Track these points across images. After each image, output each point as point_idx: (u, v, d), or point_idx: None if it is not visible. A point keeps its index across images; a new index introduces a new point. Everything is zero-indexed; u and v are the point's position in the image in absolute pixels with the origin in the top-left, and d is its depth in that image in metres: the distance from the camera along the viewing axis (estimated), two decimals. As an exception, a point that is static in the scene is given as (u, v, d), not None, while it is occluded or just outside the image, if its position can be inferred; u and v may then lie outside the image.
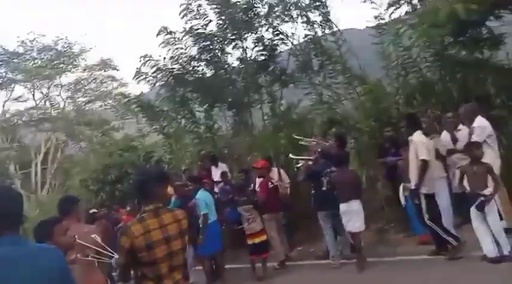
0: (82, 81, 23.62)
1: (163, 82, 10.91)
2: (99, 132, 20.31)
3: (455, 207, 5.62)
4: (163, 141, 12.00)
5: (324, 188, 6.23)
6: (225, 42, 10.64)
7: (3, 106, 23.90)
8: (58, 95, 23.99)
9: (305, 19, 9.83)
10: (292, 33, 10.25)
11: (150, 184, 2.75)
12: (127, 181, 11.16)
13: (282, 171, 7.35)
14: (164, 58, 10.65)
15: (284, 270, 6.55)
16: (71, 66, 23.17)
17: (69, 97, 24.03)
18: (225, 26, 10.40)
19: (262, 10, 10.25)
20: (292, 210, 7.31)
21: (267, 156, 7.98)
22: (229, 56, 10.82)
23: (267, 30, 10.39)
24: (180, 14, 10.37)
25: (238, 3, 10.23)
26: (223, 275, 6.62)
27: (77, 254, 3.33)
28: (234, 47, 10.67)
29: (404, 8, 8.98)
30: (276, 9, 10.16)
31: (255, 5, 10.21)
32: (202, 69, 10.88)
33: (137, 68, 10.83)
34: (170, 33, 10.45)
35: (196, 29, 10.38)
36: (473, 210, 4.83)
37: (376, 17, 8.97)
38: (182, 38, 10.50)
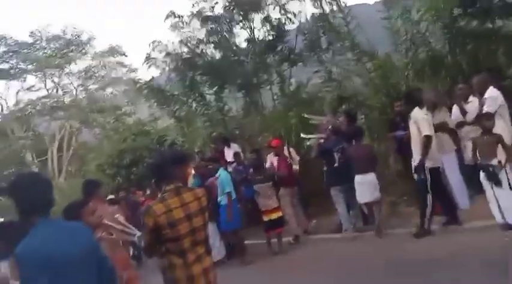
0: (92, 69, 23.82)
1: (172, 67, 11.03)
2: (111, 118, 20.62)
3: (469, 179, 5.69)
4: (175, 124, 12.18)
5: (336, 164, 6.37)
6: (232, 23, 10.64)
7: (16, 96, 24.32)
8: (70, 83, 24.29)
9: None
10: (299, 11, 10.21)
11: (171, 165, 2.89)
12: (142, 165, 11.43)
13: (291, 149, 7.51)
14: (173, 42, 10.74)
15: (298, 244, 6.76)
16: (80, 54, 23.35)
17: (81, 85, 24.30)
18: (232, 7, 10.38)
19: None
20: (303, 187, 7.49)
21: (278, 136, 8.12)
22: (237, 37, 10.86)
23: (273, 9, 10.36)
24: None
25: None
26: (245, 251, 6.84)
27: (102, 233, 3.52)
28: (241, 28, 10.67)
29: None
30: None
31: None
32: (211, 51, 10.94)
33: (147, 53, 10.94)
34: (178, 17, 10.49)
35: (204, 12, 10.39)
36: (483, 180, 4.91)
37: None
38: (190, 22, 10.53)
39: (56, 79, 24.04)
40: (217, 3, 10.41)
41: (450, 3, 7.35)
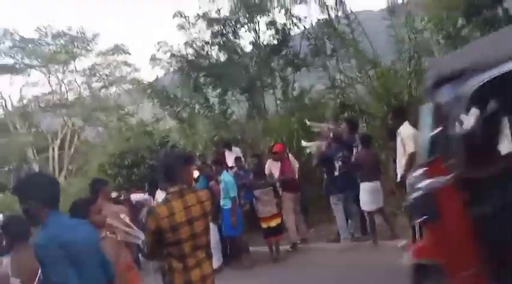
0: (96, 67, 23.88)
1: (177, 68, 11.08)
2: (114, 117, 20.65)
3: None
4: (178, 126, 12.22)
5: (336, 173, 6.38)
6: (238, 26, 10.69)
7: (21, 91, 24.38)
8: (74, 81, 24.35)
9: (318, 1, 9.78)
10: (305, 17, 10.24)
11: (175, 166, 2.86)
12: (143, 166, 11.45)
13: (290, 155, 7.52)
14: (178, 44, 10.80)
15: (296, 252, 6.77)
16: (84, 51, 23.41)
17: (85, 83, 24.35)
18: (238, 9, 10.42)
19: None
20: (303, 194, 7.50)
21: (280, 141, 8.13)
22: (242, 40, 10.90)
23: (279, 12, 10.39)
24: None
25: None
26: (248, 256, 6.83)
27: (106, 232, 3.53)
28: (246, 31, 10.71)
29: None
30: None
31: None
32: (216, 53, 10.99)
33: (152, 54, 11.01)
34: (184, 17, 10.55)
35: (209, 14, 10.45)
36: None
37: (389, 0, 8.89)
38: (196, 23, 10.59)
39: (60, 76, 24.11)
40: (222, 6, 10.47)
41: (454, 13, 7.37)
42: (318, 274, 5.54)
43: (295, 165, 7.46)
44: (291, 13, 10.32)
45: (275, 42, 10.59)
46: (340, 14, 9.67)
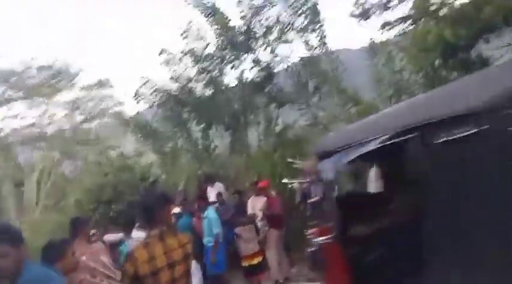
0: (79, 100, 23.75)
1: (161, 102, 11.07)
2: (95, 151, 20.30)
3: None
4: (160, 160, 12.03)
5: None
6: (224, 63, 10.86)
7: (1, 123, 23.90)
8: (55, 114, 24.06)
9: (302, 40, 10.09)
10: (288, 56, 10.50)
11: (155, 208, 2.78)
12: (122, 202, 11.10)
13: (272, 192, 7.42)
14: (163, 79, 10.87)
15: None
16: (69, 85, 23.35)
17: (66, 116, 24.09)
18: (224, 47, 10.63)
19: (260, 31, 10.51)
20: (286, 230, 7.33)
21: (263, 176, 8.05)
22: (227, 76, 11.05)
23: (264, 50, 10.64)
24: (181, 35, 10.61)
25: (236, 27, 10.49)
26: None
27: (85, 276, 3.33)
28: (232, 68, 10.89)
29: (397, 30, 9.27)
30: (273, 30, 10.42)
31: (253, 28, 10.46)
32: (200, 89, 11.07)
33: (136, 89, 11.01)
34: (170, 54, 10.69)
35: (195, 51, 10.61)
36: None
37: (369, 39, 9.24)
38: (181, 59, 10.72)
39: (43, 109, 23.82)
40: (208, 44, 10.66)
41: (431, 54, 7.66)
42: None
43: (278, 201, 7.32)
44: (274, 51, 10.59)
45: (259, 79, 10.76)
46: (322, 52, 9.97)
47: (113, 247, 8.10)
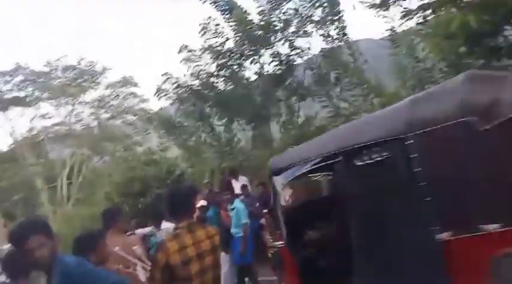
0: (105, 98, 24.40)
1: (183, 98, 11.28)
2: (121, 146, 20.87)
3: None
4: (184, 155, 12.29)
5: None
6: (243, 58, 10.95)
7: (31, 123, 24.84)
8: (82, 112, 24.83)
9: (321, 32, 10.05)
10: (308, 48, 10.48)
11: (182, 201, 2.88)
12: (149, 195, 11.46)
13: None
14: (184, 75, 11.06)
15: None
16: (93, 84, 24.01)
17: (93, 114, 24.80)
18: (242, 42, 10.71)
19: (279, 25, 10.52)
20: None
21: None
22: (246, 71, 11.13)
23: (283, 44, 10.66)
24: (199, 32, 10.75)
25: (254, 22, 10.53)
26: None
27: (118, 266, 3.46)
28: (251, 63, 10.96)
29: (418, 18, 9.08)
30: (292, 24, 10.42)
31: (272, 22, 10.48)
32: (221, 84, 11.20)
33: (158, 85, 11.24)
34: (190, 51, 10.84)
35: (214, 47, 10.72)
36: None
37: (390, 29, 9.10)
38: (201, 55, 10.87)
39: (69, 108, 24.62)
40: (228, 39, 10.75)
41: (455, 42, 7.48)
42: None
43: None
44: (294, 45, 10.58)
45: (279, 72, 10.80)
46: (342, 43, 9.91)
47: (144, 238, 8.43)
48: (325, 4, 9.72)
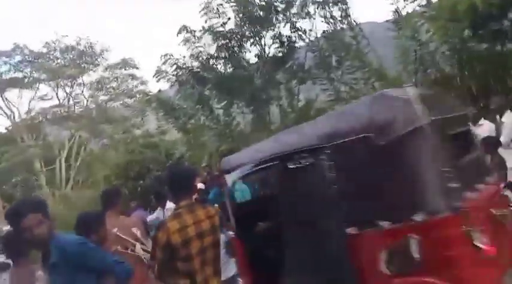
0: (104, 80, 24.19)
1: (182, 80, 11.14)
2: (120, 129, 20.82)
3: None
4: (183, 137, 12.23)
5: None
6: (243, 40, 10.78)
7: (29, 104, 24.71)
8: (81, 94, 24.68)
9: (323, 14, 9.86)
10: (310, 29, 10.31)
11: (183, 182, 2.88)
12: (148, 177, 11.46)
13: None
14: (184, 56, 10.89)
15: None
16: (92, 66, 23.77)
17: (92, 96, 24.65)
18: (243, 23, 10.53)
19: (280, 6, 10.33)
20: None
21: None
22: (247, 53, 10.98)
23: (284, 26, 10.48)
24: (200, 12, 10.55)
25: (255, 2, 10.33)
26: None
27: (116, 247, 3.45)
28: (252, 44, 10.80)
29: (422, 1, 8.91)
30: (294, 4, 10.23)
31: (274, 2, 10.28)
32: (221, 66, 11.05)
33: (157, 67, 11.09)
34: (190, 32, 10.66)
35: (215, 28, 10.54)
36: None
37: (394, 11, 8.93)
38: (201, 37, 10.69)
39: (68, 90, 24.45)
40: (229, 19, 10.56)
41: (460, 25, 7.37)
42: None
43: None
44: (295, 26, 10.40)
45: (280, 54, 10.66)
46: (345, 26, 9.74)
47: (144, 220, 8.41)
48: (328, -15, 9.52)
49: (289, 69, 10.60)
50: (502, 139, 5.61)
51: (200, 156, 11.21)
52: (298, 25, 10.37)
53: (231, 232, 4.26)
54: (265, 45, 10.82)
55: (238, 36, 10.76)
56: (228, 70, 11.12)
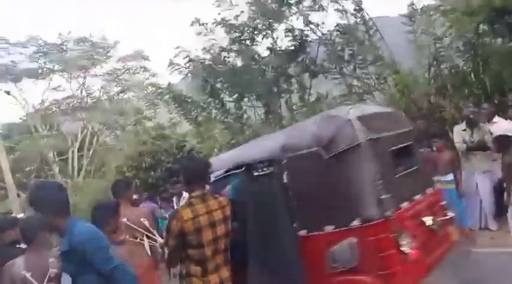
0: (116, 72, 24.34)
1: (194, 73, 11.19)
2: (132, 120, 20.99)
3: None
4: (194, 130, 12.32)
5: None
6: (255, 32, 10.76)
7: (43, 95, 25.01)
8: (93, 85, 24.87)
9: (336, 7, 9.77)
10: (322, 23, 10.23)
11: (197, 171, 2.95)
12: (160, 169, 11.58)
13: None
14: (196, 49, 10.93)
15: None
16: (105, 57, 23.89)
17: (104, 87, 24.84)
18: (256, 16, 10.49)
19: (293, -1, 10.25)
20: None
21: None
22: (259, 46, 10.95)
23: (297, 19, 10.42)
24: (213, 5, 10.55)
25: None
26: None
27: (126, 236, 3.55)
28: (264, 37, 10.77)
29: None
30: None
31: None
32: (233, 59, 11.06)
33: (170, 59, 11.16)
34: (202, 24, 10.68)
35: (228, 20, 10.54)
36: None
37: (409, 5, 8.82)
38: (214, 29, 10.71)
39: (80, 81, 24.67)
40: (243, 12, 10.53)
41: (475, 19, 7.27)
42: None
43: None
44: (308, 20, 10.33)
45: (292, 48, 10.62)
46: (358, 20, 9.64)
47: (153, 211, 8.54)
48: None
49: (301, 63, 10.55)
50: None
51: (211, 149, 11.29)
52: (310, 18, 10.29)
53: None
54: (277, 38, 10.79)
55: (251, 29, 10.74)
56: (240, 63, 11.13)
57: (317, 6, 10.11)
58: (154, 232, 3.96)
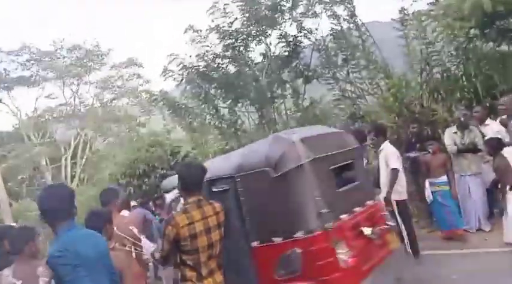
0: (109, 79, 24.31)
1: (188, 79, 11.19)
2: (125, 127, 20.93)
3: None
4: (188, 136, 12.28)
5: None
6: (249, 39, 10.80)
7: (35, 103, 24.88)
8: (87, 92, 24.81)
9: (329, 13, 9.85)
10: (315, 28, 10.31)
11: (194, 177, 2.95)
12: (154, 175, 11.49)
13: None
14: (190, 56, 10.93)
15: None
16: (99, 65, 23.88)
17: (97, 95, 24.78)
18: (250, 22, 10.54)
19: (286, 5, 10.33)
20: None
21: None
22: (253, 52, 10.99)
23: (290, 25, 10.49)
24: (207, 12, 10.57)
25: (262, 1, 10.33)
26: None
27: (115, 244, 3.51)
28: (257, 43, 10.82)
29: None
30: (300, 4, 10.22)
31: (280, 1, 10.28)
32: (227, 66, 11.07)
33: (164, 66, 11.15)
34: (196, 31, 10.70)
35: (221, 27, 10.57)
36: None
37: (400, 10, 8.91)
38: (207, 36, 10.73)
39: (74, 88, 24.59)
40: (236, 18, 10.57)
41: (467, 24, 7.36)
42: None
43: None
44: (302, 26, 10.40)
45: (286, 54, 10.67)
46: (351, 25, 9.72)
47: (144, 218, 8.45)
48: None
49: (294, 68, 10.61)
50: (508, 139, 5.61)
51: (205, 155, 11.25)
52: (304, 24, 10.37)
53: None
54: (271, 44, 10.85)
55: (244, 36, 10.79)
56: (234, 69, 11.16)
57: (310, 12, 10.21)
58: (143, 237, 3.94)
